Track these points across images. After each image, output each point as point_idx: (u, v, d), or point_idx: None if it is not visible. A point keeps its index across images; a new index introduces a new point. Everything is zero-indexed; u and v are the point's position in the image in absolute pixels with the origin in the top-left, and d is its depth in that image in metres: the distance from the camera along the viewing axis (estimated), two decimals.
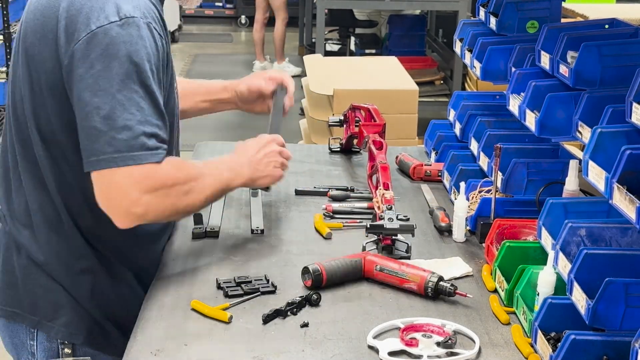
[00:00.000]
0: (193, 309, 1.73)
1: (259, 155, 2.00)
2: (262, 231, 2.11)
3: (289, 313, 1.72)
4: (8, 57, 4.53)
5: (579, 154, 2.27)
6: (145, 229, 1.82)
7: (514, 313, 1.75)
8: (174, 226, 2.08)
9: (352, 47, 7.84)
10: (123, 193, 1.67)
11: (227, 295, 1.78)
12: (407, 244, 2.00)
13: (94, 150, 1.65)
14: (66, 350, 1.85)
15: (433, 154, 2.65)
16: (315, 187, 2.42)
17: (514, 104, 2.04)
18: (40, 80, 1.72)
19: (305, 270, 1.84)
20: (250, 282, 1.82)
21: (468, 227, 2.13)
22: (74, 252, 1.83)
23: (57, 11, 1.69)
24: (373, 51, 7.73)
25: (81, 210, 1.80)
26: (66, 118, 1.72)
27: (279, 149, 2.05)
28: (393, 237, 1.99)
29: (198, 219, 2.10)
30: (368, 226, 2.00)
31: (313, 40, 8.24)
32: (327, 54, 7.24)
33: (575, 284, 1.48)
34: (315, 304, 1.77)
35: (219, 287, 1.81)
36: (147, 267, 1.93)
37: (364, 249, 1.99)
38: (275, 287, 1.82)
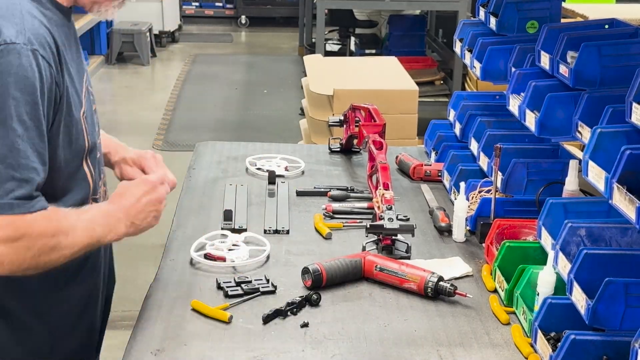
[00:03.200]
0: (193, 309, 1.73)
1: (139, 205, 1.73)
2: (288, 231, 2.12)
3: (289, 313, 1.72)
4: None
5: (579, 154, 2.27)
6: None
7: (514, 313, 1.75)
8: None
9: (352, 47, 7.83)
10: None
11: (227, 296, 1.78)
12: (407, 244, 2.00)
13: None
14: None
15: (433, 154, 2.65)
16: (315, 187, 2.43)
17: (514, 104, 2.04)
18: None
19: (305, 271, 1.84)
20: (250, 282, 1.83)
21: (468, 227, 2.13)
22: None
23: None
24: (373, 51, 7.73)
25: None
26: None
27: (162, 196, 1.78)
28: (393, 237, 1.99)
29: (228, 215, 2.11)
30: (368, 226, 2.00)
31: (313, 40, 8.23)
32: (327, 54, 7.24)
33: (575, 284, 1.48)
34: (315, 304, 1.77)
35: (219, 287, 1.82)
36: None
37: (364, 249, 1.99)
38: (275, 287, 1.82)
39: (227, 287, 1.80)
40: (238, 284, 1.82)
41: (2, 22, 1.51)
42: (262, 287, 1.81)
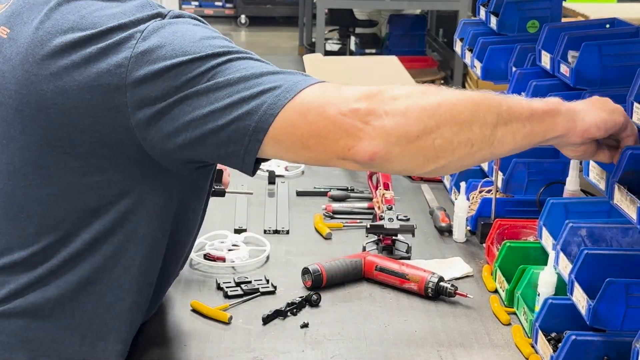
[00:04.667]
0: (193, 309, 1.73)
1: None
2: (288, 231, 2.11)
3: (289, 313, 1.72)
4: None
5: None
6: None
7: (515, 313, 1.75)
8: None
9: (352, 46, 7.83)
10: (330, 115, 1.22)
11: (226, 296, 1.77)
12: (408, 244, 2.00)
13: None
14: None
15: None
16: (315, 187, 2.42)
17: None
18: None
19: (305, 271, 1.83)
20: (250, 282, 1.82)
21: (468, 227, 2.12)
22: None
23: None
24: (373, 51, 7.73)
25: None
26: None
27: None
28: (393, 237, 1.99)
29: (218, 175, 1.93)
30: (368, 226, 2.00)
31: (313, 40, 8.23)
32: (327, 53, 7.23)
33: (576, 284, 1.48)
34: (315, 304, 1.76)
35: (218, 287, 1.81)
36: None
37: (364, 249, 1.99)
38: (275, 287, 1.82)
39: (227, 287, 1.80)
40: (238, 284, 1.81)
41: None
42: (262, 288, 1.80)
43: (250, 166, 1.27)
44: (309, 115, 1.21)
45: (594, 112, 1.35)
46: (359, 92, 1.22)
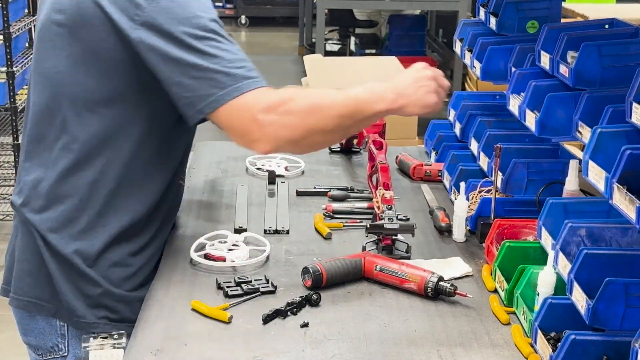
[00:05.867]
0: (193, 309, 1.73)
1: (405, 79, 1.84)
2: (288, 231, 2.12)
3: (289, 313, 1.72)
4: (8, 57, 4.52)
5: (579, 154, 2.27)
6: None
7: (514, 313, 1.75)
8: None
9: (352, 47, 7.84)
10: (247, 120, 1.69)
11: (227, 295, 1.78)
12: (407, 244, 2.00)
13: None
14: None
15: (433, 154, 2.65)
16: (315, 187, 2.42)
17: (514, 104, 2.04)
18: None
19: (305, 271, 1.84)
20: (250, 282, 1.82)
21: (468, 227, 2.13)
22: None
23: None
24: (373, 51, 7.74)
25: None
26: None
27: (432, 74, 1.87)
28: (393, 237, 1.99)
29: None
30: (368, 226, 2.00)
31: (313, 40, 8.24)
32: (327, 54, 7.25)
33: (575, 284, 1.48)
34: (315, 304, 1.77)
35: (219, 287, 1.81)
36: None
37: (364, 249, 1.99)
38: (275, 287, 1.82)
39: (227, 287, 1.80)
40: (238, 284, 1.81)
41: None
42: (262, 287, 1.81)
43: (194, 121, 1.74)
44: (238, 114, 1.69)
45: (415, 105, 1.84)
46: (269, 102, 1.69)
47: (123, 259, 1.84)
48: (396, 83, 1.83)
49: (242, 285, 1.81)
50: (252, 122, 1.68)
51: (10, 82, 4.55)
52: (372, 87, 1.81)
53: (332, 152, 2.76)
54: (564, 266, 1.56)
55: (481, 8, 2.51)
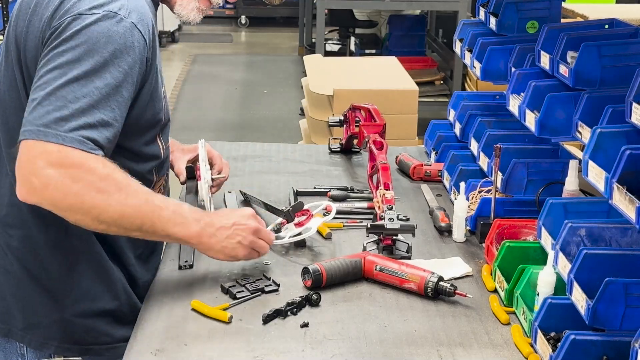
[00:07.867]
0: (193, 309, 1.73)
1: (225, 220, 1.77)
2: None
3: (289, 313, 1.72)
4: None
5: (579, 154, 2.27)
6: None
7: (514, 313, 1.75)
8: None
9: (352, 47, 7.83)
10: (28, 160, 1.57)
11: (234, 297, 1.77)
12: (408, 244, 2.00)
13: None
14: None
15: (433, 154, 2.65)
16: (315, 187, 2.43)
17: (514, 104, 2.04)
18: None
19: (305, 271, 1.84)
20: (254, 282, 1.82)
21: (468, 227, 2.13)
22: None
23: None
24: (373, 51, 7.74)
25: None
26: None
27: (255, 227, 1.79)
28: (393, 237, 1.99)
29: (190, 172, 2.19)
30: (369, 226, 2.00)
31: (313, 40, 8.24)
32: (327, 54, 7.24)
33: (575, 284, 1.48)
34: (315, 304, 1.77)
35: (225, 292, 1.79)
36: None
37: (364, 249, 1.99)
38: (278, 285, 1.82)
39: (228, 287, 1.80)
40: (243, 285, 1.81)
41: None
42: (266, 287, 1.81)
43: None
44: (28, 160, 1.58)
45: (218, 252, 1.77)
46: (50, 162, 1.56)
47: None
48: (212, 220, 1.75)
49: (247, 285, 1.80)
50: (29, 173, 1.57)
51: None
52: (183, 210, 1.71)
53: (332, 152, 2.77)
54: (564, 266, 1.56)
55: (481, 8, 2.51)
